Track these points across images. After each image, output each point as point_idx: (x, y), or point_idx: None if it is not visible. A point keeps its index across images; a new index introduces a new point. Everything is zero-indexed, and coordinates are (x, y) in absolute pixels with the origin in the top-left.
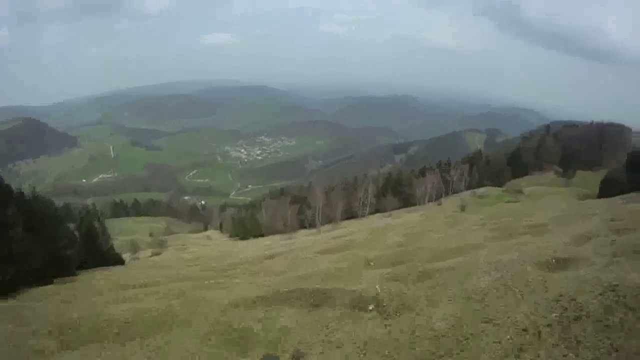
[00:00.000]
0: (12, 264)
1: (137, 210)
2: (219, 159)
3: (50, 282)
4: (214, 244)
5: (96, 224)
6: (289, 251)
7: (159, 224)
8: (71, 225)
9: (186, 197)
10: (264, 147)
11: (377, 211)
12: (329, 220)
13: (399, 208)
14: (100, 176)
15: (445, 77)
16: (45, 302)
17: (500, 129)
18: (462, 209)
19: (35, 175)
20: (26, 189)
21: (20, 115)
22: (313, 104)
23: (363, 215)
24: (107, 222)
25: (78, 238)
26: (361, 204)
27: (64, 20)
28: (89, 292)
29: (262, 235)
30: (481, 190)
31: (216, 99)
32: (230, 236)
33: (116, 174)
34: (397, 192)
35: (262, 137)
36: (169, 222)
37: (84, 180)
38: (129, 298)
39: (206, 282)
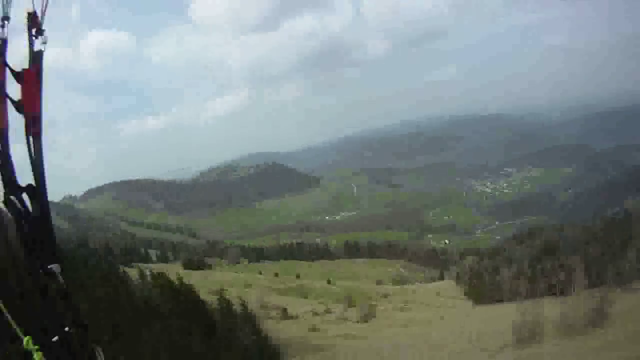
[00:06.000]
0: None
1: (372, 251)
2: (464, 194)
3: None
4: (438, 307)
5: None
6: None
7: (392, 267)
8: None
9: (430, 236)
10: (510, 179)
11: None
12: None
13: None
14: (343, 214)
15: None
16: None
17: None
18: None
19: (277, 214)
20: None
21: (269, 160)
22: (553, 126)
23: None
24: (339, 263)
25: None
26: None
27: (298, 77)
28: None
29: (501, 301)
30: None
31: (452, 133)
32: (465, 294)
33: (359, 211)
34: None
35: (507, 168)
36: (404, 266)
37: (327, 218)
38: None
39: None
